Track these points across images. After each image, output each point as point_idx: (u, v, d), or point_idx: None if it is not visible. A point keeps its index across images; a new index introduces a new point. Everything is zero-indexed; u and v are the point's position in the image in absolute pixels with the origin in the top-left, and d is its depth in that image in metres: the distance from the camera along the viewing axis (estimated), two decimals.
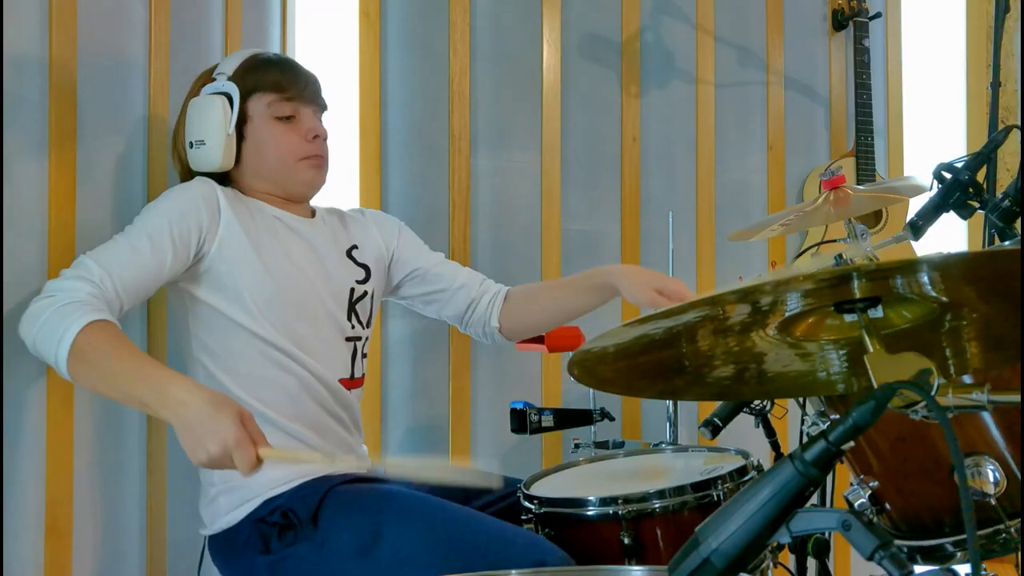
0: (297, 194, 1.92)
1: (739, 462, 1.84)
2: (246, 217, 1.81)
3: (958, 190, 2.00)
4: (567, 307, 2.06)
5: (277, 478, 1.72)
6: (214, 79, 1.87)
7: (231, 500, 1.75)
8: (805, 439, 1.41)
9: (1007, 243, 1.93)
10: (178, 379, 1.50)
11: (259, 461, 1.42)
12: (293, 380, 1.79)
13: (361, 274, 1.96)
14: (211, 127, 1.83)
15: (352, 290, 1.92)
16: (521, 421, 2.19)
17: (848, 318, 1.05)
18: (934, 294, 1.04)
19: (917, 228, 2.05)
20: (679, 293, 1.89)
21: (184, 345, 1.83)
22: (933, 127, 3.45)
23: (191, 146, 1.84)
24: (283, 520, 1.69)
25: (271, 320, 1.78)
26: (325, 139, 1.92)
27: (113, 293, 1.63)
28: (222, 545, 1.78)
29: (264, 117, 1.86)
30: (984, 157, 2.06)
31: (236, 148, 1.85)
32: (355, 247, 1.97)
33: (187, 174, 1.89)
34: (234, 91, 1.84)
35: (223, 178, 1.88)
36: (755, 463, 1.84)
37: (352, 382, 1.89)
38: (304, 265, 1.86)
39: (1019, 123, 3.06)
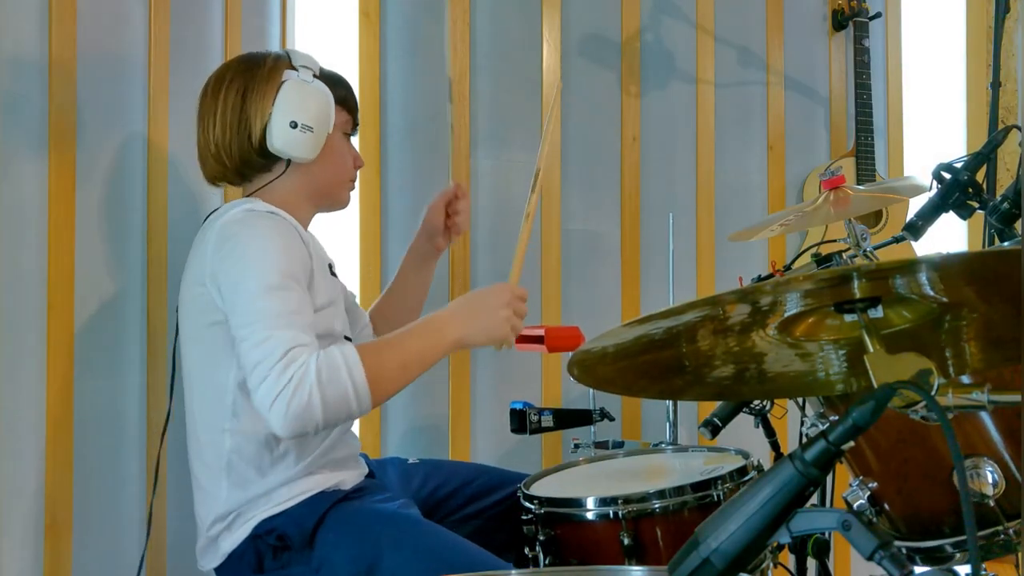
0: (323, 209, 1.89)
1: (739, 462, 1.84)
2: (312, 258, 1.73)
3: (957, 190, 2.00)
4: (418, 295, 2.11)
5: (275, 498, 1.68)
6: (296, 69, 1.76)
7: (234, 530, 1.70)
8: (805, 439, 1.41)
9: (1007, 243, 1.94)
10: (438, 324, 1.67)
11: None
12: None
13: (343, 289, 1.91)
14: (320, 118, 1.75)
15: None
16: (521, 421, 2.19)
17: (848, 318, 1.05)
18: (934, 294, 1.04)
19: (916, 228, 2.05)
20: (462, 194, 2.07)
21: (213, 373, 1.71)
22: (933, 127, 3.45)
23: (294, 126, 1.71)
24: (278, 543, 1.66)
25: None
26: None
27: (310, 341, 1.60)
28: (222, 568, 1.74)
29: (338, 130, 1.83)
30: (984, 157, 2.07)
31: None
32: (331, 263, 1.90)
33: (247, 151, 1.75)
34: (329, 94, 1.78)
35: (249, 166, 1.77)
36: (755, 463, 1.84)
37: None
38: (335, 296, 1.79)
39: (1019, 123, 3.06)
